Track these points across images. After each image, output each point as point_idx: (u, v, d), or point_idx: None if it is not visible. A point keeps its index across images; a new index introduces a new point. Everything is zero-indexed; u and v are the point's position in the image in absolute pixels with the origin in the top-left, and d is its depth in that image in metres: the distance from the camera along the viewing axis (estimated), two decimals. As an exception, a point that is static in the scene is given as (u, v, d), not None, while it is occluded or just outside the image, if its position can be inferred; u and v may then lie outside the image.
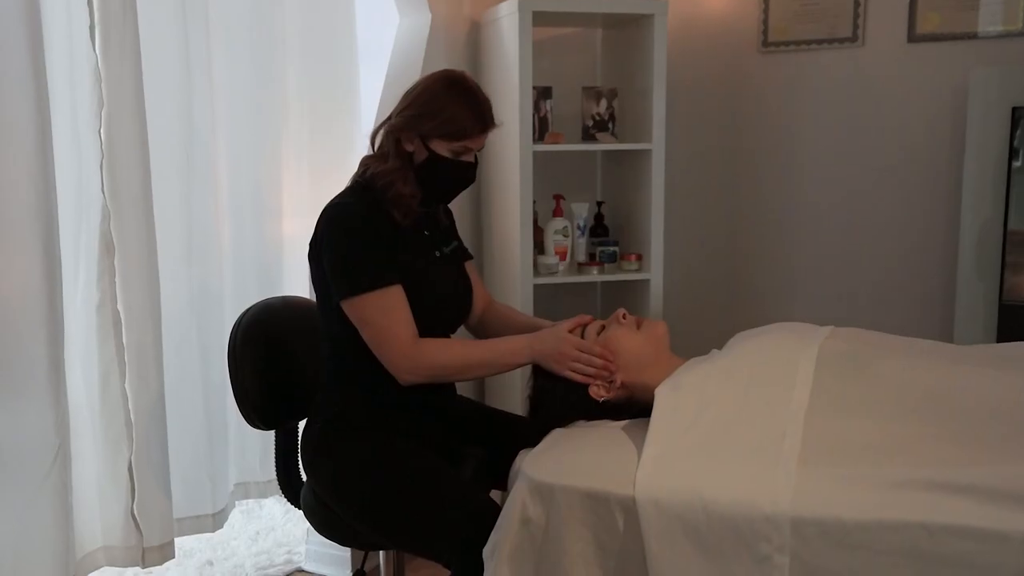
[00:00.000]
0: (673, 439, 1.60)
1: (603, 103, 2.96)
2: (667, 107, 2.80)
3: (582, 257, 2.98)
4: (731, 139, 3.25)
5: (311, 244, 1.85)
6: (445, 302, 1.94)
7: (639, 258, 2.91)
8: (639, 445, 1.60)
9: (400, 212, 1.85)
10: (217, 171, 2.51)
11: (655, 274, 2.87)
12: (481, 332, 2.11)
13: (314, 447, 1.89)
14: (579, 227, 2.98)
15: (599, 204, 3.11)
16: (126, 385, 2.16)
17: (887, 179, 3.05)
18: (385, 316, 1.76)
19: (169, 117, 2.33)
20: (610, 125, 2.97)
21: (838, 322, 1.91)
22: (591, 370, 1.81)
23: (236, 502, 2.74)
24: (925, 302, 3.02)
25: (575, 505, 1.56)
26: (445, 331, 1.98)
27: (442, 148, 1.84)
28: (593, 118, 2.96)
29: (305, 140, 2.75)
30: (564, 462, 1.65)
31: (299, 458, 1.98)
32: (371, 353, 1.82)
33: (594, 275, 2.90)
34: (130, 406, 2.17)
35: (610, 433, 1.73)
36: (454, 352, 1.84)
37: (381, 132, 1.90)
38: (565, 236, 2.90)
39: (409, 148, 1.85)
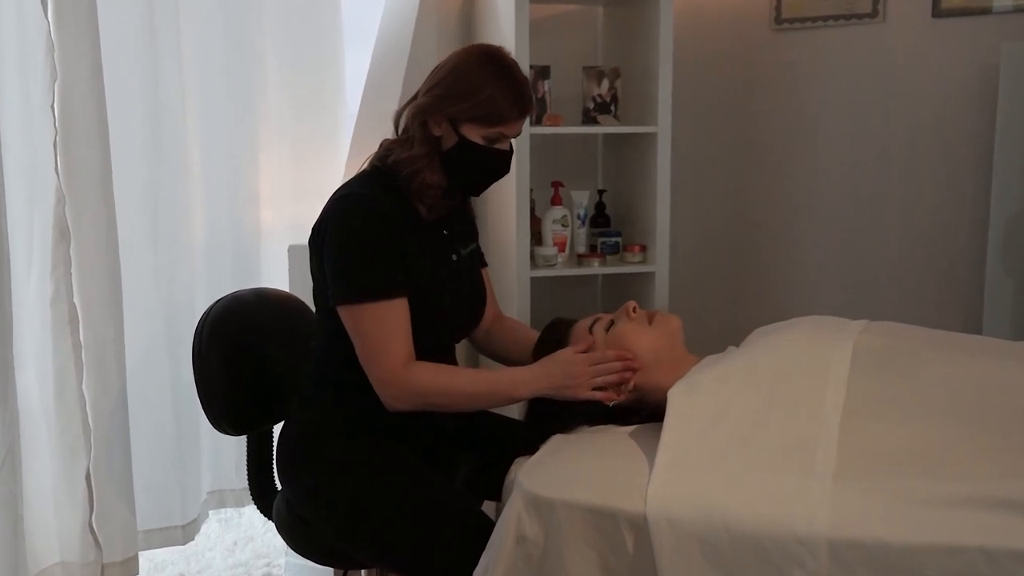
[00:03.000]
0: (689, 447, 1.47)
1: (605, 84, 2.86)
2: (673, 88, 2.68)
3: (582, 248, 2.88)
4: (741, 122, 3.16)
5: (314, 230, 1.73)
6: (455, 313, 1.82)
7: (643, 249, 2.80)
8: (650, 454, 1.49)
9: (426, 206, 1.72)
10: (188, 152, 2.44)
11: (660, 266, 2.76)
12: (485, 345, 1.99)
13: (290, 453, 1.79)
14: (579, 216, 2.87)
15: (600, 192, 3.00)
16: (83, 386, 2.11)
17: (910, 165, 2.95)
18: (382, 330, 1.64)
19: (132, 91, 2.28)
20: (612, 107, 2.86)
21: (857, 316, 1.79)
22: (613, 378, 1.68)
23: (210, 511, 2.67)
24: (950, 297, 2.92)
25: (577, 522, 1.44)
26: (450, 342, 1.86)
27: (474, 133, 1.69)
28: (594, 100, 2.87)
29: (286, 120, 2.70)
30: (565, 473, 1.53)
31: (274, 465, 1.89)
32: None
33: (595, 267, 2.80)
34: (88, 409, 2.11)
35: (618, 440, 1.61)
36: (449, 381, 1.70)
37: (406, 113, 1.75)
38: (564, 226, 2.79)
39: (436, 132, 1.71)
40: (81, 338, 2.07)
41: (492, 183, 1.82)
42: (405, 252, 1.68)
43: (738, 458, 1.43)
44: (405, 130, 1.74)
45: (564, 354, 1.70)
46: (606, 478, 1.48)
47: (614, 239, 2.84)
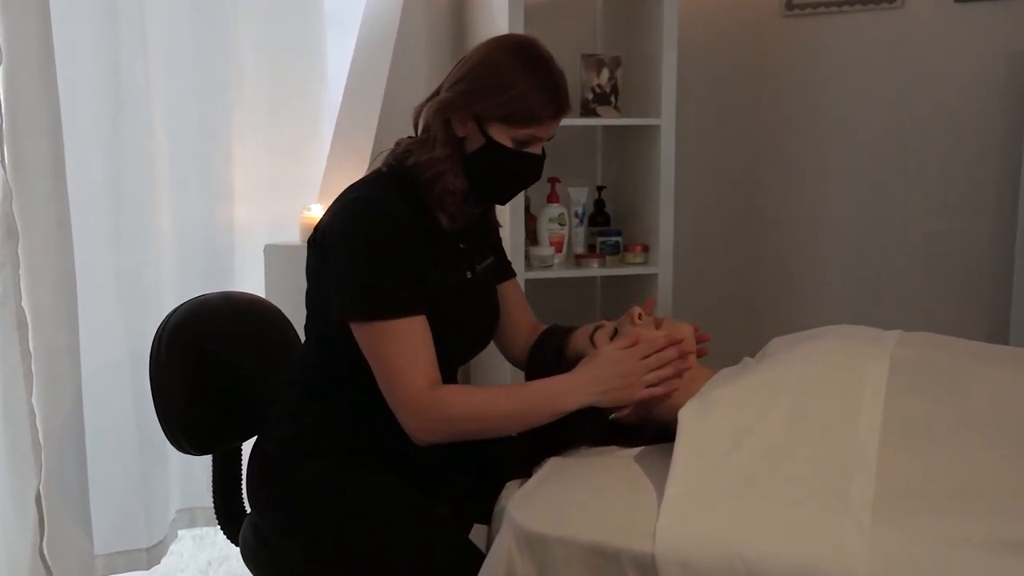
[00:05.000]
0: (703, 477, 1.34)
1: (605, 73, 2.81)
2: (678, 78, 2.67)
3: (580, 248, 2.87)
4: (750, 114, 3.13)
5: (317, 229, 1.62)
6: (467, 337, 1.70)
7: (645, 249, 2.78)
8: (659, 484, 1.36)
9: (447, 214, 1.62)
10: (153, 141, 2.35)
11: (663, 268, 2.74)
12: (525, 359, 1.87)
13: (263, 474, 1.69)
14: (577, 214, 2.86)
15: (600, 188, 2.97)
16: (33, 399, 1.99)
17: (931, 160, 2.90)
18: (403, 351, 1.51)
19: (88, 74, 2.16)
20: (613, 98, 2.82)
21: (876, 320, 1.70)
22: (669, 370, 1.53)
23: (179, 532, 2.56)
24: (974, 304, 2.88)
25: (575, 562, 1.33)
26: (455, 367, 1.75)
27: (502, 134, 1.58)
28: (593, 90, 2.82)
29: (263, 109, 2.61)
30: (562, 506, 1.41)
31: (243, 486, 1.79)
32: (362, 375, 1.58)
33: (594, 269, 2.78)
34: (38, 424, 2.00)
35: (621, 466, 1.48)
36: (485, 402, 1.56)
37: (426, 110, 1.63)
38: (561, 225, 2.77)
39: (460, 133, 1.60)
40: (31, 346, 1.95)
41: (521, 191, 1.72)
42: (421, 265, 1.56)
43: (760, 491, 1.30)
44: (426, 129, 1.63)
45: (609, 352, 1.56)
46: (608, 512, 1.37)
47: (614, 239, 2.82)
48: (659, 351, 1.53)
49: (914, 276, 2.95)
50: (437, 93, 1.62)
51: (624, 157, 2.94)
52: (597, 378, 1.53)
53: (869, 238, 3.00)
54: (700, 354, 1.59)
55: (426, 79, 2.69)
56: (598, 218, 2.91)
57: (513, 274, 1.87)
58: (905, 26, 2.85)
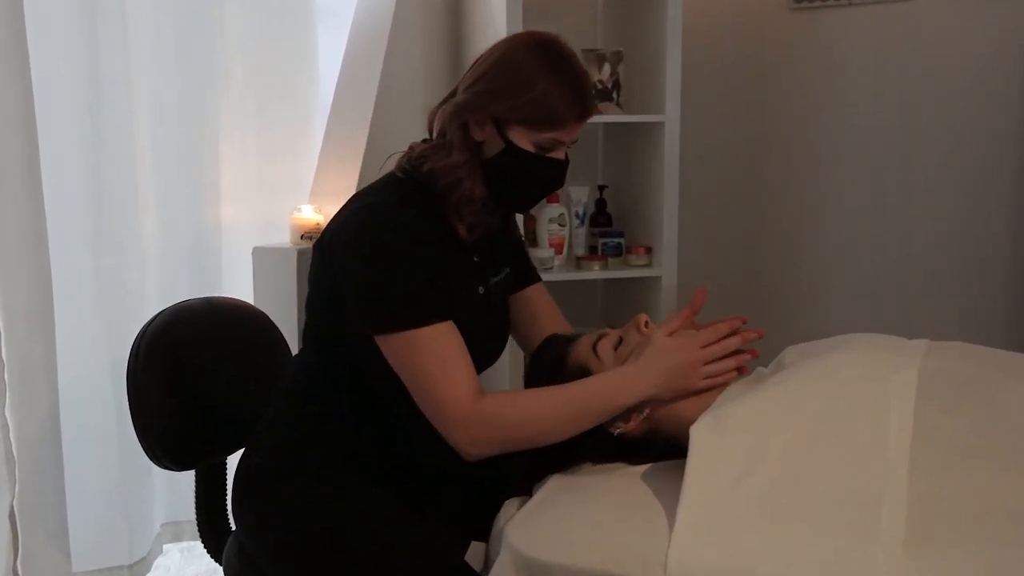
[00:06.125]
0: (718, 500, 1.25)
1: (606, 69, 2.77)
2: (682, 73, 2.65)
3: (581, 250, 2.84)
4: (757, 111, 3.09)
5: (325, 234, 1.57)
6: (474, 353, 1.63)
7: (648, 251, 2.76)
8: (670, 506, 1.28)
9: (466, 224, 1.56)
10: (135, 139, 2.30)
11: (667, 270, 2.72)
12: None
13: (249, 489, 1.63)
14: (578, 215, 2.83)
15: (601, 188, 2.94)
16: (6, 411, 1.97)
17: (946, 158, 2.85)
18: (440, 360, 1.45)
19: (65, 67, 2.13)
20: (614, 94, 2.78)
21: (886, 327, 1.62)
22: (731, 362, 1.44)
23: (164, 546, 2.52)
24: (986, 301, 2.84)
25: None
26: None
27: (523, 138, 1.51)
28: (595, 86, 2.80)
29: (251, 106, 2.57)
30: (565, 530, 1.33)
31: (228, 500, 1.75)
32: (364, 383, 1.55)
33: (595, 271, 2.74)
34: (12, 436, 1.97)
35: (628, 486, 1.39)
36: (536, 406, 1.48)
37: (441, 112, 1.57)
38: (561, 226, 2.73)
39: (478, 137, 1.53)
40: (3, 355, 1.91)
41: (543, 198, 1.66)
42: (433, 274, 1.49)
43: (779, 517, 1.21)
44: (441, 133, 1.56)
45: (666, 340, 1.47)
46: (615, 538, 1.29)
47: (616, 240, 2.81)
48: (722, 339, 1.44)
49: (927, 277, 2.91)
50: (453, 95, 1.56)
51: (626, 155, 2.91)
52: (655, 368, 1.44)
53: (882, 238, 2.96)
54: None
55: (422, 75, 2.65)
56: (599, 219, 2.89)
57: (538, 278, 1.80)
58: (918, 18, 2.81)
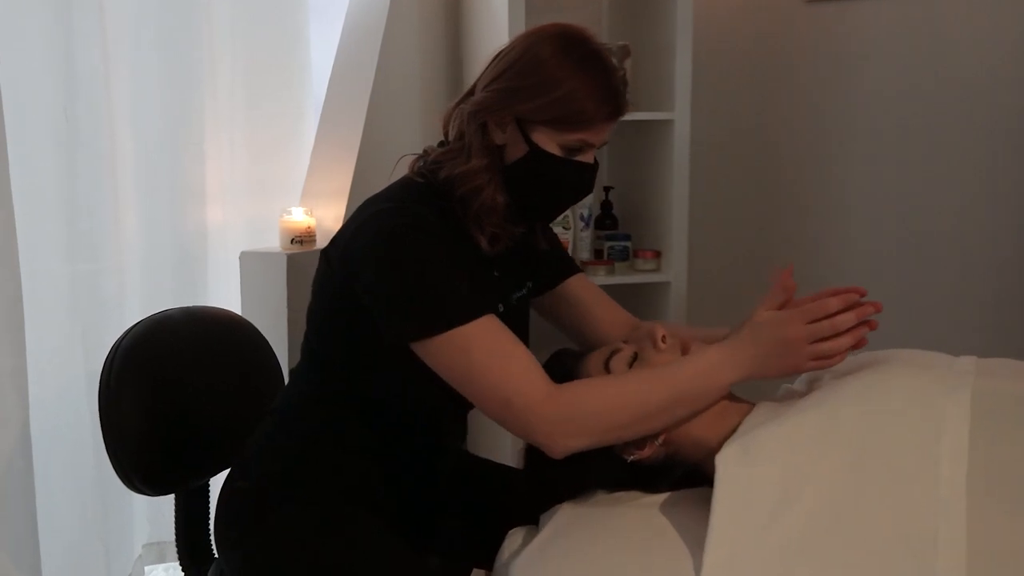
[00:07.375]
0: (749, 541, 1.15)
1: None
2: (693, 69, 2.63)
3: (586, 254, 2.80)
4: (770, 108, 3.08)
5: (334, 240, 1.51)
6: None
7: (657, 255, 2.75)
8: (693, 546, 1.18)
9: (487, 235, 1.46)
10: (113, 137, 2.24)
11: (676, 275, 2.71)
12: None
13: (230, 515, 1.56)
14: (582, 217, 2.78)
15: (607, 189, 2.90)
16: None
17: (966, 158, 2.82)
18: (500, 353, 1.34)
19: (36, 59, 2.07)
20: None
21: (905, 334, 1.60)
22: (848, 339, 1.28)
23: (147, 568, 2.44)
24: (1012, 309, 2.80)
25: None
26: (464, 410, 1.60)
27: (548, 140, 1.42)
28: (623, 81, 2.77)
29: (239, 103, 2.53)
30: (577, 572, 1.23)
31: (210, 525, 1.70)
32: (366, 401, 1.48)
33: (601, 276, 2.71)
34: None
35: (646, 520, 1.29)
36: (619, 392, 1.36)
37: (458, 113, 1.48)
38: (565, 228, 2.70)
39: (499, 140, 1.45)
40: None
41: (570, 206, 1.57)
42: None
43: (820, 559, 1.11)
44: (458, 135, 1.48)
45: (769, 315, 1.34)
46: None
47: (623, 243, 2.79)
48: (831, 316, 1.29)
49: (946, 276, 2.89)
50: (471, 93, 1.47)
51: (634, 154, 2.87)
52: (755, 343, 1.32)
53: (899, 238, 2.93)
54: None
55: (419, 70, 2.61)
56: (605, 221, 2.85)
57: (578, 268, 1.70)
58: (937, 13, 2.80)
